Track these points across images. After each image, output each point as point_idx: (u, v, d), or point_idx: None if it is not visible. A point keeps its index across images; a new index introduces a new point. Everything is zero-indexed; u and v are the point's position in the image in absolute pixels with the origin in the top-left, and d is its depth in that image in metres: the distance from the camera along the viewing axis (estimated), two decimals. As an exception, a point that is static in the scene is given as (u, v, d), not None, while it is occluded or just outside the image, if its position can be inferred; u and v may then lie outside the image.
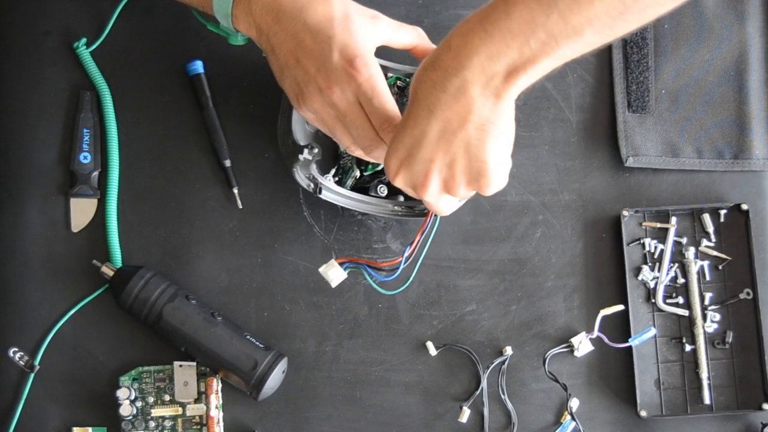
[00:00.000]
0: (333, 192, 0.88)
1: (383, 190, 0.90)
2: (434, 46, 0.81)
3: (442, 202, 0.77)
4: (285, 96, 0.87)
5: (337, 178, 0.89)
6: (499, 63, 0.66)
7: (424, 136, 0.71)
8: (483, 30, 0.66)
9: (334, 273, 0.81)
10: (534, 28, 0.64)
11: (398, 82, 0.88)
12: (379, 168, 0.88)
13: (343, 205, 0.89)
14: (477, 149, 0.71)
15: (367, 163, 0.88)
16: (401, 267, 0.80)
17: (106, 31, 0.94)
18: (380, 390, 0.91)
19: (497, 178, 0.73)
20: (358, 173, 0.89)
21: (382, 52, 0.82)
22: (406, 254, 0.80)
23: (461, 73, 0.67)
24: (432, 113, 0.70)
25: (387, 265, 0.81)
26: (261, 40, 0.80)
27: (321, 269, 0.81)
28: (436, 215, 0.81)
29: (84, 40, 0.93)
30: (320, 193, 0.87)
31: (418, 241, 0.80)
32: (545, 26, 0.64)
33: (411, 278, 0.85)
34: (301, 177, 0.87)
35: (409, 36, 0.83)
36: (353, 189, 0.89)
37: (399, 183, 0.75)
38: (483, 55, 0.66)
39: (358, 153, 0.81)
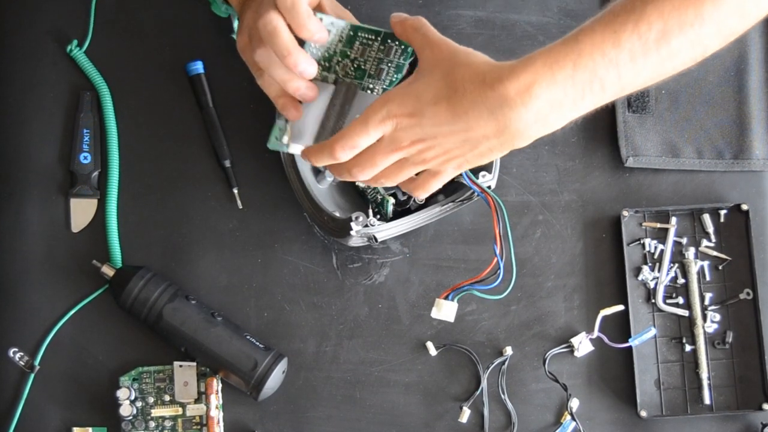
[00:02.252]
0: (386, 231, 0.87)
1: (421, 198, 0.88)
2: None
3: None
4: (294, 177, 0.88)
5: (378, 217, 0.88)
6: (554, 109, 0.70)
7: (452, 130, 0.72)
8: (551, 75, 0.69)
9: (447, 309, 0.80)
10: (593, 80, 0.70)
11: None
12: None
13: (400, 233, 0.88)
14: (491, 156, 0.74)
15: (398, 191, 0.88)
16: (501, 266, 0.79)
17: (90, 31, 0.93)
18: (380, 390, 0.91)
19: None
20: (393, 200, 0.87)
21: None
22: (497, 251, 0.79)
23: (517, 110, 0.70)
24: (472, 119, 0.71)
25: (486, 273, 0.80)
26: None
27: (433, 314, 0.80)
28: (498, 205, 0.80)
29: (75, 42, 0.93)
30: (378, 242, 0.87)
31: (499, 235, 0.79)
32: (603, 80, 0.70)
33: (514, 272, 0.81)
34: (355, 242, 0.87)
35: None
36: (395, 215, 0.88)
37: (402, 138, 0.74)
38: (543, 100, 0.70)
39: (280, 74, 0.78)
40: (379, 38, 0.80)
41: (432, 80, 0.73)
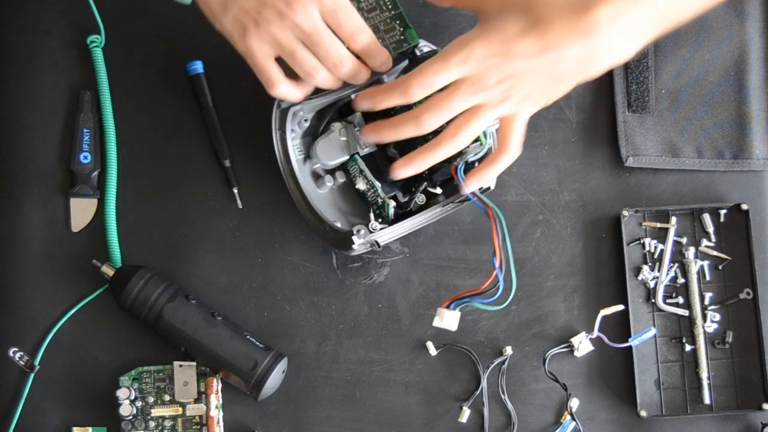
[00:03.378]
0: (387, 234, 0.86)
1: (422, 199, 0.88)
2: None
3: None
4: (294, 187, 0.87)
5: (380, 219, 0.88)
6: (636, 35, 0.73)
7: (540, 63, 0.73)
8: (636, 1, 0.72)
9: (449, 319, 0.80)
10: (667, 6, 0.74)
11: None
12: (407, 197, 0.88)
13: (401, 236, 0.88)
14: (566, 89, 0.76)
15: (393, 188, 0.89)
16: (501, 279, 0.78)
17: (102, 29, 0.93)
18: (380, 390, 0.91)
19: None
20: (394, 202, 0.87)
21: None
22: (497, 264, 0.78)
23: (608, 35, 0.72)
24: (564, 47, 0.72)
25: (487, 285, 0.80)
26: None
27: (435, 323, 0.80)
28: (498, 217, 0.79)
29: (97, 37, 0.93)
30: (380, 247, 0.87)
31: (499, 247, 0.79)
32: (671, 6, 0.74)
33: (514, 283, 0.80)
34: (357, 252, 0.87)
35: None
36: (396, 217, 0.88)
37: (488, 77, 0.74)
38: (633, 24, 0.72)
39: (322, 77, 0.79)
40: (392, 12, 0.79)
41: (511, 17, 0.73)
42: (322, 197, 0.90)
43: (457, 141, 0.78)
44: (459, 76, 0.74)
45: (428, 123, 0.76)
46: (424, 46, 0.84)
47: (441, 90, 0.76)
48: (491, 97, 0.75)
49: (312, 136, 0.90)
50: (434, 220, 0.89)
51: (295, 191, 0.88)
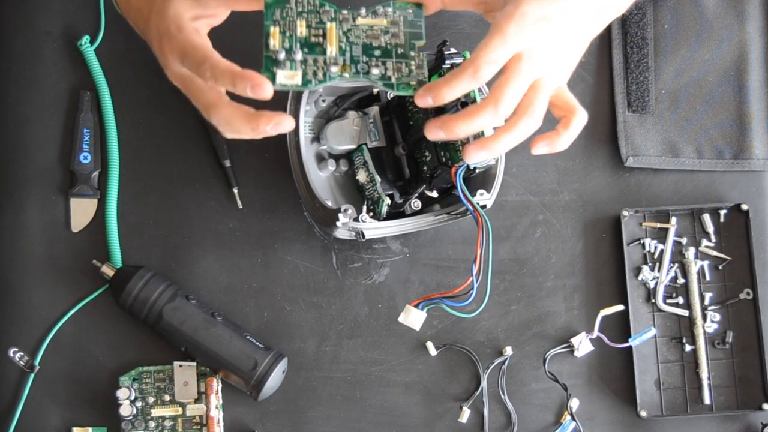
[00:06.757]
0: (375, 229, 0.86)
1: (417, 204, 0.88)
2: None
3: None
4: (295, 159, 0.87)
5: (371, 214, 0.87)
6: None
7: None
8: None
9: (414, 317, 0.78)
10: None
11: None
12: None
13: (387, 235, 0.88)
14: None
15: (394, 189, 0.89)
16: (475, 287, 0.76)
17: (102, 27, 0.94)
18: (380, 390, 0.91)
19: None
20: (389, 200, 0.87)
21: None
22: (474, 272, 0.76)
23: None
24: None
25: (460, 290, 0.78)
26: None
27: (400, 319, 0.78)
28: (486, 225, 0.77)
29: (87, 38, 0.93)
30: (364, 238, 0.86)
31: (480, 256, 0.78)
32: None
33: (487, 294, 0.77)
34: (342, 234, 0.86)
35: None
36: (388, 216, 0.88)
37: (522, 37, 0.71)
38: None
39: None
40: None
41: None
42: (320, 179, 0.90)
43: (535, 116, 0.73)
44: (518, 48, 0.71)
45: (506, 106, 0.71)
46: (453, 54, 0.82)
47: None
48: (548, 67, 0.72)
49: (325, 119, 0.90)
50: (424, 228, 0.88)
51: (296, 162, 0.87)
